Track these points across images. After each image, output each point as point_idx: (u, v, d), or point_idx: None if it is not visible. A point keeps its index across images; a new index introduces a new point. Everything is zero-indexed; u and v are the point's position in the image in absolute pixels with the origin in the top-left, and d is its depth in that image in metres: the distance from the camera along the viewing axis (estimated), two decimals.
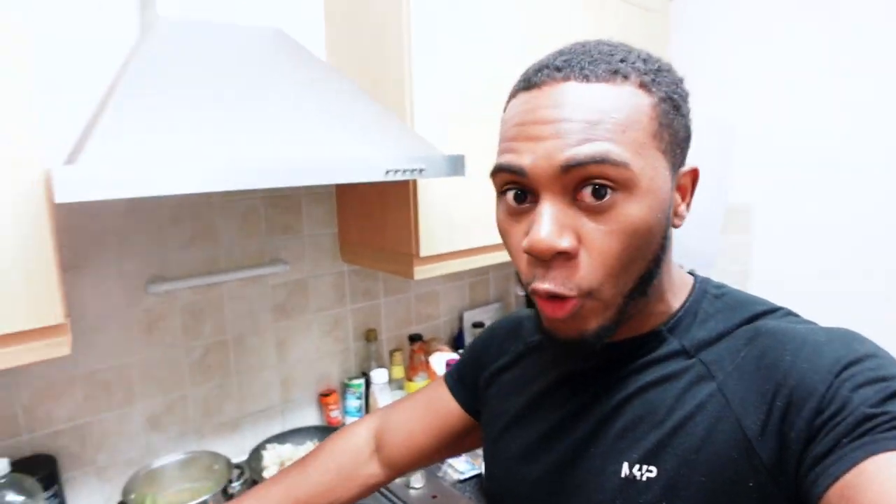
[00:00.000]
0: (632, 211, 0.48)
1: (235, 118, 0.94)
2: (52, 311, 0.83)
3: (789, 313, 0.57)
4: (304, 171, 0.92)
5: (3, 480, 0.97)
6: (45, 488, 1.08)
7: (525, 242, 0.50)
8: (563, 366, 0.64)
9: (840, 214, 1.63)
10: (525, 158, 0.50)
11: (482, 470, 1.33)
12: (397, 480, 1.33)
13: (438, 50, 1.23)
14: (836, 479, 0.41)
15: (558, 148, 0.48)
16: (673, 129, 0.52)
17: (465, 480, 1.33)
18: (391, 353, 1.68)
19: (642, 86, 0.50)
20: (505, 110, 0.57)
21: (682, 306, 0.59)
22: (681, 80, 0.54)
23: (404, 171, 1.02)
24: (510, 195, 0.53)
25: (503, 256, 1.49)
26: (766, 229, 1.84)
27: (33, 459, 1.15)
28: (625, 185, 0.48)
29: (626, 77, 0.50)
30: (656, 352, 0.57)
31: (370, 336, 1.64)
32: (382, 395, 1.56)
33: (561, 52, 0.53)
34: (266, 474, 1.34)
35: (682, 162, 0.55)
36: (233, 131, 0.91)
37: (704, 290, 0.60)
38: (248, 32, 1.19)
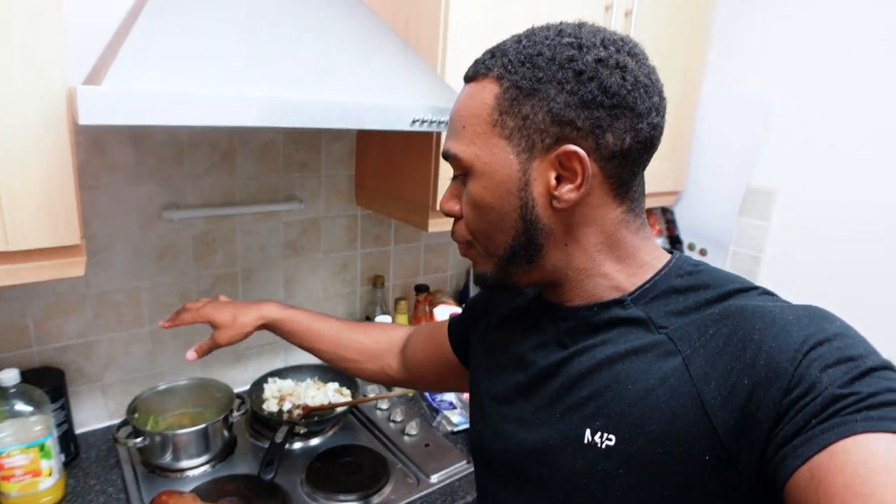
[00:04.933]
0: (472, 188, 0.61)
1: (262, 52, 0.91)
2: (69, 231, 0.83)
3: (765, 292, 0.58)
4: (327, 115, 0.89)
5: (13, 390, 1.00)
6: (53, 400, 1.10)
7: None
8: (541, 330, 0.67)
9: (867, 211, 1.58)
10: None
11: None
12: (392, 426, 1.37)
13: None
14: (806, 460, 0.41)
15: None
16: (520, 116, 0.56)
17: (458, 433, 1.36)
18: (396, 301, 1.69)
19: (497, 78, 0.58)
20: None
21: (650, 279, 0.61)
22: (566, 61, 0.54)
23: (431, 123, 1.00)
24: None
25: None
26: (785, 216, 1.80)
27: (42, 371, 1.18)
28: (466, 170, 0.61)
29: (486, 73, 0.59)
30: (622, 321, 0.59)
31: (377, 282, 1.65)
32: None
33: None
34: (266, 406, 1.37)
35: (549, 146, 0.56)
36: (258, 65, 0.88)
37: (678, 267, 0.61)
38: None
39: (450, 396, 1.48)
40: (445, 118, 1.02)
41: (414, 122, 0.99)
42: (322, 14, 1.09)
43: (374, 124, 0.95)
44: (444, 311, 1.68)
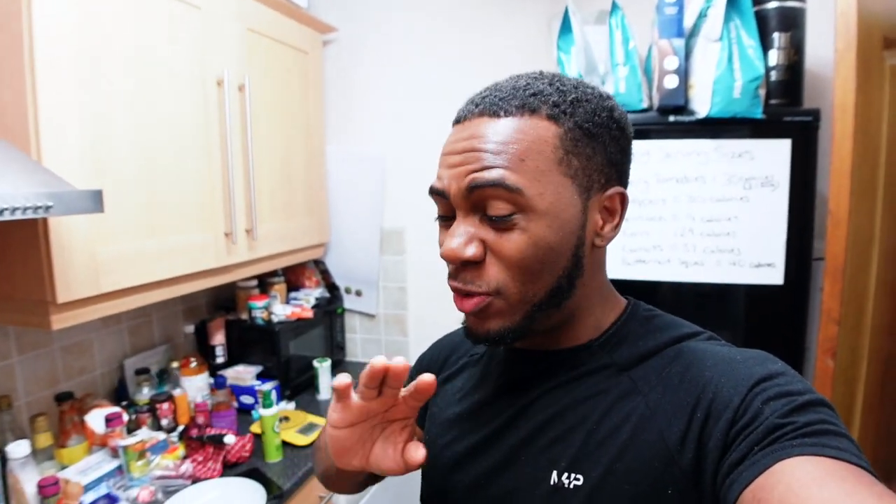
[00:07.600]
0: (533, 228, 0.55)
1: None
2: None
3: (712, 336, 0.63)
4: None
5: None
6: None
7: (441, 252, 0.59)
8: (502, 376, 0.67)
9: None
10: (444, 183, 0.58)
11: None
12: None
13: (68, 79, 1.13)
14: (749, 483, 0.45)
15: (465, 173, 0.56)
16: (584, 156, 0.57)
17: None
18: (33, 419, 1.43)
19: (550, 117, 0.56)
20: None
21: (612, 324, 0.63)
22: (607, 110, 0.59)
23: (24, 210, 0.91)
24: (442, 213, 0.61)
25: (164, 294, 1.43)
26: (415, 250, 2.13)
27: None
28: (522, 208, 0.55)
29: (533, 111, 0.56)
30: (587, 365, 0.61)
31: (2, 405, 1.38)
32: (26, 472, 1.33)
33: (485, 89, 0.61)
34: None
35: (603, 185, 0.59)
36: None
37: (635, 312, 0.65)
38: None
39: None
40: (43, 203, 0.94)
41: (3, 210, 0.89)
42: None
43: None
44: (99, 415, 1.49)
